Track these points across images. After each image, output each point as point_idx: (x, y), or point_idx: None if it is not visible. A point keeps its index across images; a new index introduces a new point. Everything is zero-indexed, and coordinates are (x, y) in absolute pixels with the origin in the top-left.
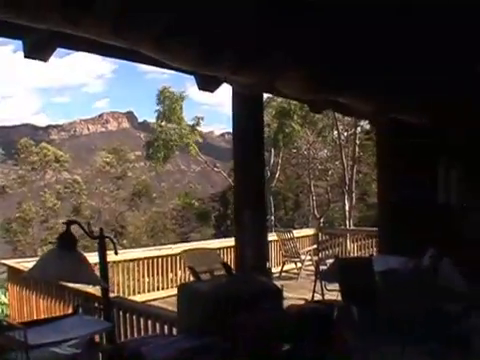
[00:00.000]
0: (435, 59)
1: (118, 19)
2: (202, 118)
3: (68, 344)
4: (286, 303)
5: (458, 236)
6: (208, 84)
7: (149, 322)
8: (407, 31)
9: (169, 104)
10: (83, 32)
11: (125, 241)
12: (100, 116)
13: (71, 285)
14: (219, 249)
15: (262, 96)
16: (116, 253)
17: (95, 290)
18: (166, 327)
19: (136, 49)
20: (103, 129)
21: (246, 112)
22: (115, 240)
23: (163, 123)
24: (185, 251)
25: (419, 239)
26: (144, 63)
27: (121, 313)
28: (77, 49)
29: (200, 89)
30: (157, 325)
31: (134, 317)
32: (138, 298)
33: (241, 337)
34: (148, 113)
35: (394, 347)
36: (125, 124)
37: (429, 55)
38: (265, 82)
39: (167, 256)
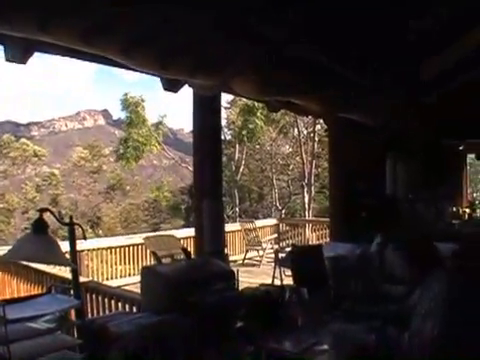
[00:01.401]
0: (376, 63)
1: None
2: (165, 116)
3: (43, 319)
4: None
5: (404, 225)
6: (172, 85)
7: (119, 304)
8: (350, 36)
9: (132, 109)
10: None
11: (100, 231)
12: (77, 113)
13: (48, 270)
14: (186, 238)
15: (220, 96)
16: (85, 238)
17: (69, 274)
18: (134, 308)
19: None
20: (80, 126)
21: (205, 111)
22: (90, 229)
23: (129, 130)
24: (147, 237)
25: (368, 228)
26: (117, 66)
27: (94, 296)
28: (55, 53)
29: (165, 89)
30: (126, 306)
31: (106, 300)
32: (111, 283)
33: (197, 315)
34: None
35: (340, 325)
36: (101, 121)
37: (370, 58)
38: (220, 84)
39: (139, 244)
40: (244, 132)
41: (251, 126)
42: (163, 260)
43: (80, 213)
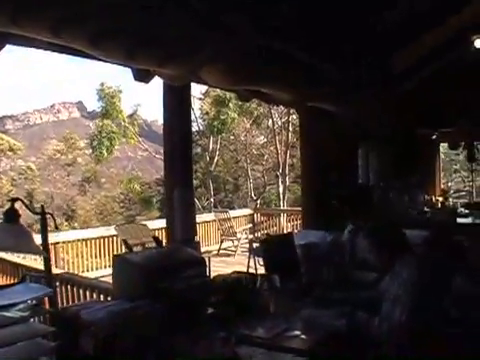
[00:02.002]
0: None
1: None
2: (139, 105)
3: (16, 308)
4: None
5: (376, 213)
6: (143, 76)
7: (94, 295)
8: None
9: (108, 99)
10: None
11: (76, 224)
12: (52, 106)
13: (24, 262)
14: (161, 229)
15: (190, 86)
16: (57, 228)
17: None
18: (109, 298)
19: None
20: (55, 118)
21: (175, 100)
22: (66, 222)
23: (104, 121)
24: (118, 226)
25: (339, 216)
26: (88, 58)
27: (69, 287)
28: (28, 46)
29: (136, 80)
30: (101, 296)
31: (81, 291)
32: (88, 276)
33: (168, 301)
34: (97, 103)
35: (311, 311)
36: (75, 113)
37: (340, 48)
38: (189, 74)
39: (114, 236)
40: (216, 123)
41: (223, 117)
42: (134, 248)
43: (55, 206)
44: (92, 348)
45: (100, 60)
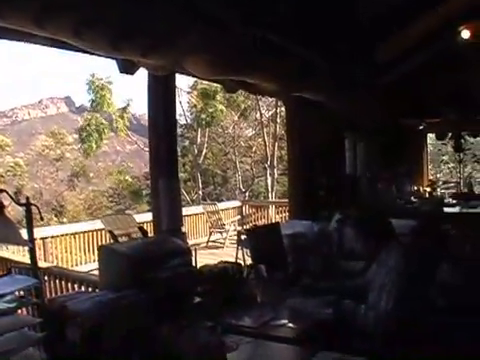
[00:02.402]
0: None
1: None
2: (131, 100)
3: (3, 300)
4: None
5: (363, 202)
6: (128, 68)
7: (83, 288)
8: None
9: (98, 91)
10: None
11: (65, 219)
12: (40, 102)
13: (12, 257)
14: (149, 222)
15: (174, 76)
16: (42, 219)
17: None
18: (98, 291)
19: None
20: (43, 114)
21: (159, 91)
22: (55, 217)
23: (93, 113)
24: (104, 217)
25: (326, 207)
26: (72, 50)
27: (57, 281)
28: (10, 39)
29: (121, 72)
30: (90, 290)
31: (69, 284)
32: (76, 269)
33: (154, 291)
34: (85, 97)
35: (298, 300)
36: (63, 109)
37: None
38: (173, 64)
39: (103, 229)
40: (204, 116)
41: (211, 110)
42: (120, 239)
43: (45, 202)
44: (79, 338)
45: (86, 52)
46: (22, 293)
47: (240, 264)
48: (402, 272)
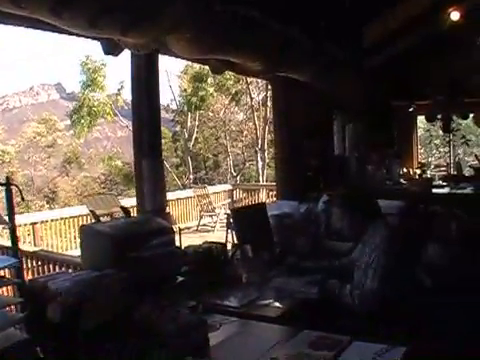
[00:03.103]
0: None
1: None
2: (123, 81)
3: None
4: None
5: (351, 183)
6: (112, 48)
7: (70, 271)
8: None
9: (91, 74)
10: None
11: (57, 206)
12: (31, 89)
13: None
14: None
15: (157, 56)
16: (23, 199)
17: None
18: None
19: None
20: (34, 101)
21: (142, 72)
22: (47, 204)
23: (86, 92)
24: (86, 197)
25: (314, 187)
26: (51, 31)
27: (45, 266)
28: None
29: (105, 53)
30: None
31: (57, 267)
32: (67, 254)
33: (135, 270)
34: (76, 84)
35: (283, 279)
36: (54, 95)
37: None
38: (153, 42)
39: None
40: (194, 99)
41: (201, 93)
42: (102, 219)
43: (36, 189)
44: (59, 316)
45: (64, 32)
46: (2, 273)
47: (225, 244)
48: (387, 251)
